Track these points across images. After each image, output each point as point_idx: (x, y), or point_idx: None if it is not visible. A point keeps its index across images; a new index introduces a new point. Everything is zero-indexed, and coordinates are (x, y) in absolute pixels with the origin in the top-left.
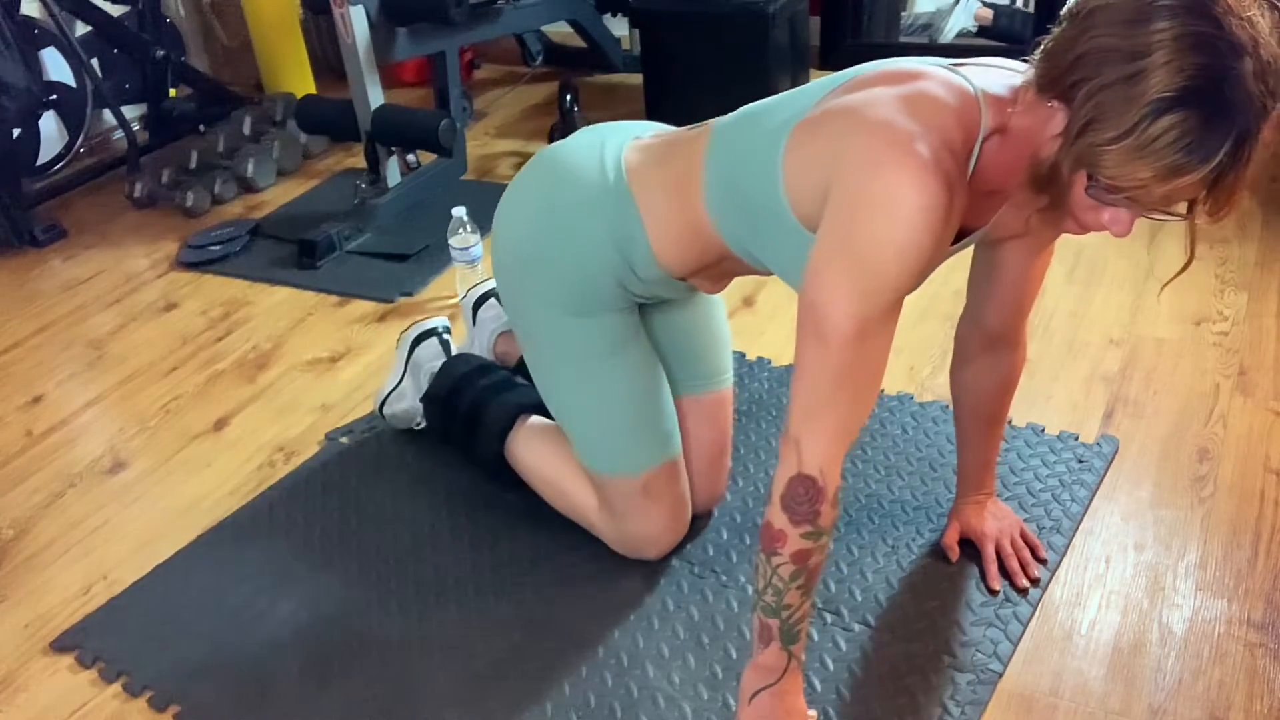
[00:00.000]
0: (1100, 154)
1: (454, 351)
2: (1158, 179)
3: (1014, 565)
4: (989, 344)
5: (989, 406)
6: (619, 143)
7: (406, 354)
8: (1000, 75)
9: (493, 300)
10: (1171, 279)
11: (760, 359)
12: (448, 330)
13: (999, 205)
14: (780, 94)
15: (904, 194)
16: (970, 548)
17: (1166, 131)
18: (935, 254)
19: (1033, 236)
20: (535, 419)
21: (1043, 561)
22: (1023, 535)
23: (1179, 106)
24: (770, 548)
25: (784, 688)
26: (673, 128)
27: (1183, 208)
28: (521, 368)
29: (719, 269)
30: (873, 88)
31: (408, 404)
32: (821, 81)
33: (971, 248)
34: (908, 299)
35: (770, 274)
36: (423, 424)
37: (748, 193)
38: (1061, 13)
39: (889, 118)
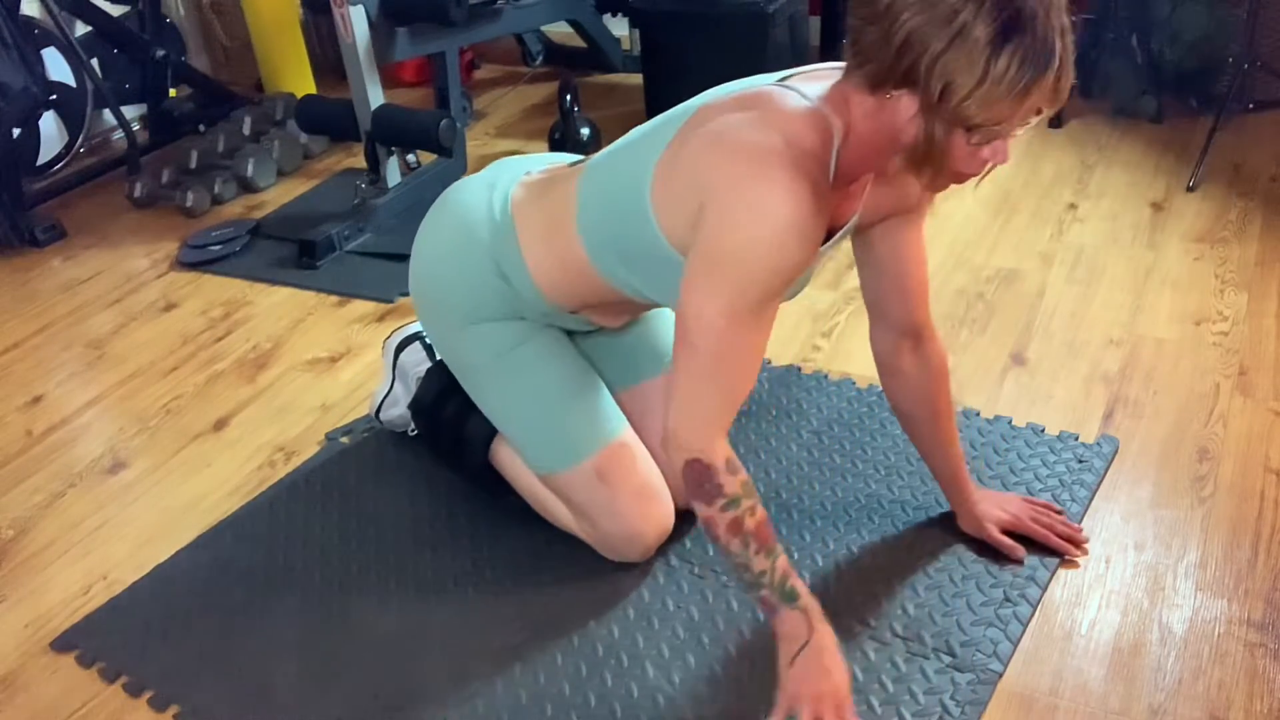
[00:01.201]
0: (966, 108)
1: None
2: (1019, 101)
3: (1061, 530)
4: (907, 344)
5: (934, 404)
6: (511, 178)
7: (392, 360)
8: (827, 81)
9: (415, 344)
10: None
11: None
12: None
13: (860, 195)
14: (642, 126)
15: (772, 202)
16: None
17: (1010, 61)
18: (804, 254)
19: (903, 213)
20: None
21: (1059, 511)
22: (1035, 504)
23: (1007, 39)
24: (712, 536)
25: (817, 644)
26: (564, 160)
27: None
28: None
29: (609, 306)
30: (724, 115)
31: (401, 409)
32: (672, 114)
33: (848, 249)
34: None
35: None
36: (416, 431)
37: (622, 234)
38: (853, 21)
39: (750, 138)
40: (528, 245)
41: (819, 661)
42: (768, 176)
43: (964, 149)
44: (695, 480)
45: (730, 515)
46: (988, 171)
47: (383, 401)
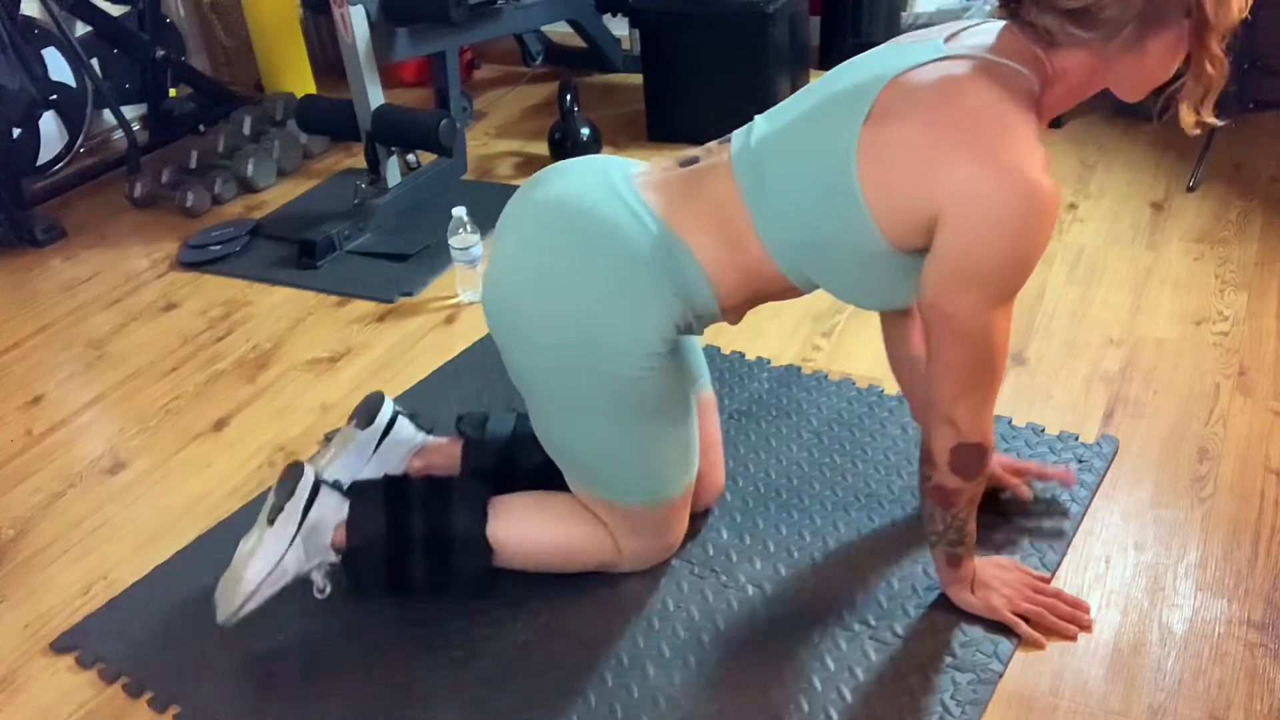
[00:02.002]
0: (1220, 15)
1: (349, 479)
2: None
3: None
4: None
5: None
6: (626, 183)
7: (298, 523)
8: (990, 33)
9: (402, 421)
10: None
11: (760, 359)
12: (334, 482)
13: None
14: (793, 112)
15: (1037, 199)
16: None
17: None
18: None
19: None
20: (499, 501)
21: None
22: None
23: None
24: (946, 503)
25: (980, 566)
26: (662, 159)
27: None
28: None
29: (764, 299)
30: (933, 107)
31: (289, 580)
32: (841, 89)
33: None
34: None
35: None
36: (327, 590)
37: (817, 230)
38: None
39: (993, 132)
40: (702, 252)
41: (999, 574)
42: (1025, 174)
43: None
44: (970, 461)
45: (975, 490)
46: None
47: (259, 586)
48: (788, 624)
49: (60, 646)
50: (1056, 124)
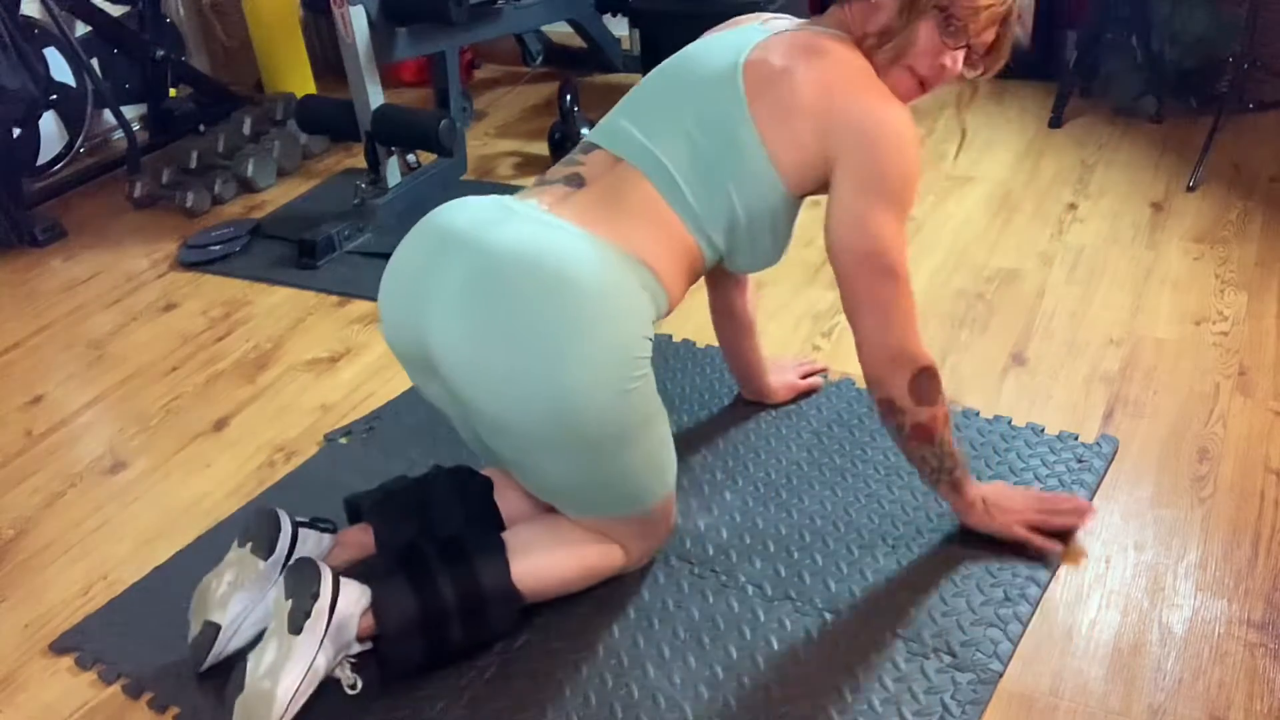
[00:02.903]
0: None
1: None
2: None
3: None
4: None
5: (750, 317)
6: (545, 214)
7: (325, 624)
8: (791, 19)
9: (304, 534)
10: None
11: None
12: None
13: None
14: (661, 109)
15: (906, 120)
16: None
17: None
18: None
19: None
20: (510, 540)
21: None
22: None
23: None
24: (928, 437)
25: (988, 489)
26: (540, 188)
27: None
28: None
29: (693, 283)
30: (808, 63)
31: (318, 683)
32: (707, 79)
33: None
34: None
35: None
36: (359, 686)
37: (735, 198)
38: None
39: (862, 74)
40: (649, 256)
41: (1011, 497)
42: (894, 102)
43: (932, 41)
44: (928, 384)
45: (946, 409)
46: (928, 90)
47: (292, 700)
48: (787, 624)
49: (60, 647)
50: (1056, 124)
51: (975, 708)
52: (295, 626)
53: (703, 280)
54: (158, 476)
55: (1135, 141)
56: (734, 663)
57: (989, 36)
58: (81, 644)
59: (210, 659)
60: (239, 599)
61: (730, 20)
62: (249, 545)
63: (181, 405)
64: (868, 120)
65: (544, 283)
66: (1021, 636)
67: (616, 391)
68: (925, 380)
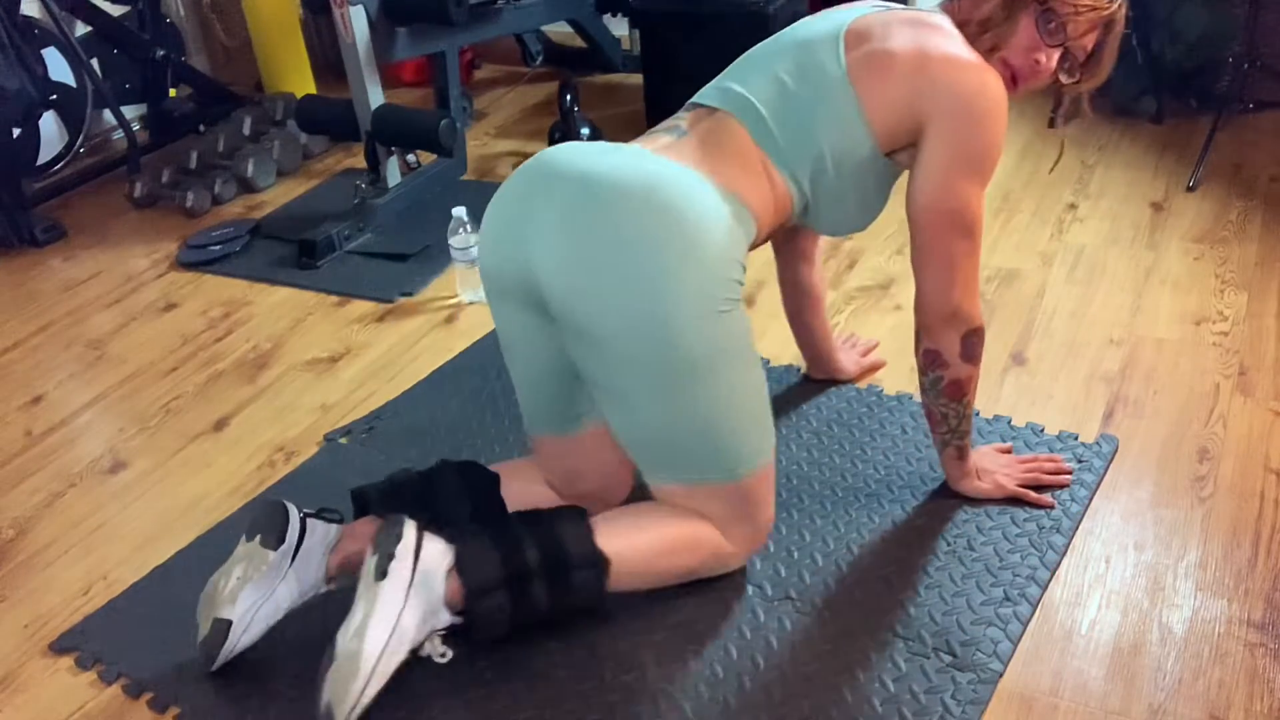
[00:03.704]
0: None
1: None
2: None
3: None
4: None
5: (819, 290)
6: (650, 154)
7: (410, 571)
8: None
9: (312, 525)
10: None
11: (759, 359)
12: (432, 521)
13: None
14: (762, 67)
15: (998, 92)
16: (962, 526)
17: None
18: None
19: None
20: (597, 518)
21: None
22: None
23: None
24: (960, 395)
25: (979, 454)
26: (647, 139)
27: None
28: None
29: (774, 234)
30: (909, 29)
31: (406, 649)
32: (809, 41)
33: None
34: (908, 301)
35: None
36: (449, 655)
37: (822, 144)
38: None
39: (963, 50)
40: (746, 192)
41: (993, 458)
42: (990, 71)
43: (1030, 37)
44: (977, 345)
45: (979, 373)
46: (1028, 89)
47: (378, 663)
48: (787, 624)
49: (60, 647)
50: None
51: (975, 708)
52: (380, 572)
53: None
54: (158, 476)
55: (1135, 141)
56: (734, 663)
57: (1089, 41)
58: (81, 644)
59: (222, 656)
60: (249, 592)
61: (836, 5)
62: (257, 538)
63: (181, 405)
64: (963, 86)
65: (643, 203)
66: (1021, 636)
67: (712, 310)
68: (974, 340)
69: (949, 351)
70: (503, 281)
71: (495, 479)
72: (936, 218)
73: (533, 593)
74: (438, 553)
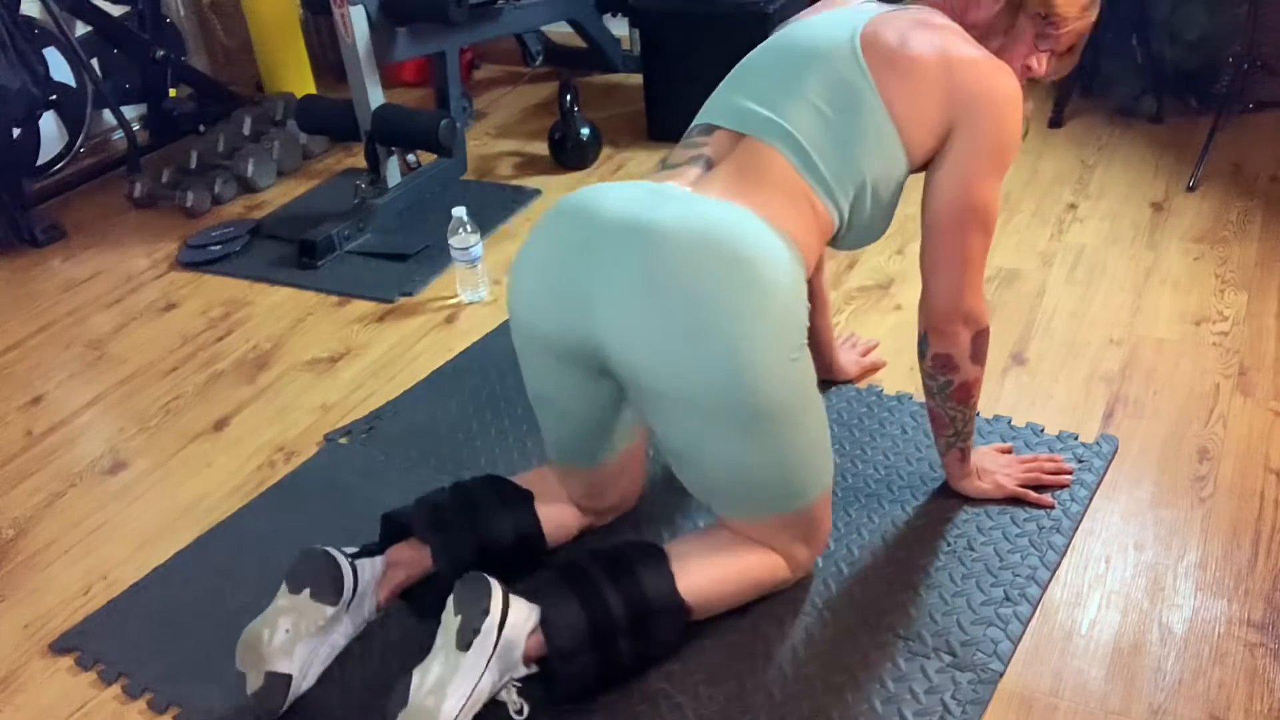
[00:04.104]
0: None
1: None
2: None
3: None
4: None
5: (826, 294)
6: (697, 196)
7: (494, 644)
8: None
9: (360, 565)
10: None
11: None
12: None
13: None
14: (780, 83)
15: (1015, 87)
16: (964, 524)
17: None
18: None
19: None
20: (672, 553)
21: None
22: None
23: None
24: (967, 398)
25: (979, 455)
26: (671, 171)
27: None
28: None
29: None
30: (927, 37)
31: (485, 700)
32: (820, 53)
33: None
34: (908, 302)
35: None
36: (525, 711)
37: (861, 167)
38: None
39: (977, 51)
40: (792, 230)
41: (994, 458)
42: (1004, 68)
43: (1026, 43)
44: (984, 345)
45: (984, 371)
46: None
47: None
48: (787, 623)
49: (60, 647)
50: (1056, 123)
51: (975, 708)
52: (464, 643)
53: None
54: (158, 476)
55: (1135, 141)
56: (734, 663)
57: (1069, 42)
58: (81, 644)
59: (284, 708)
60: (305, 645)
61: (815, 5)
62: (306, 591)
63: (181, 405)
64: (987, 87)
65: (719, 258)
66: (1021, 636)
67: (787, 358)
68: (983, 340)
69: (960, 354)
70: (549, 340)
71: (528, 495)
72: (957, 215)
73: (618, 647)
74: (521, 620)
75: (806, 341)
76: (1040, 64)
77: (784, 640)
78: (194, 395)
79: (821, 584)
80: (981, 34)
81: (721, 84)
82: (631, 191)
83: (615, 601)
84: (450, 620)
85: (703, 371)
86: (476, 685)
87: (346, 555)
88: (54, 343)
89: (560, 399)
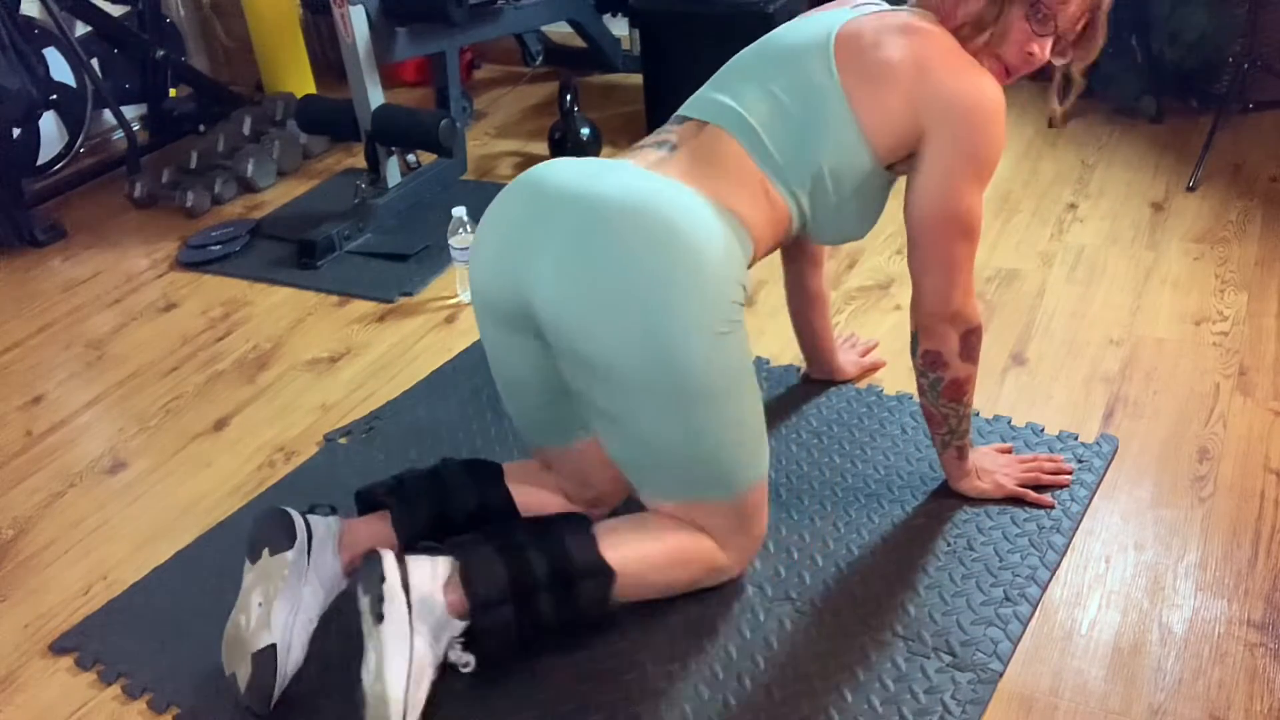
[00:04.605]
0: None
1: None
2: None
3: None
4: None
5: (824, 293)
6: (645, 172)
7: (406, 604)
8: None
9: (312, 520)
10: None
11: (759, 359)
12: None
13: None
14: (751, 78)
15: (997, 98)
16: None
17: None
18: None
19: None
20: (598, 526)
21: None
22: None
23: None
24: (959, 395)
25: (979, 455)
26: (637, 153)
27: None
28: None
29: (773, 249)
30: (902, 38)
31: (432, 672)
32: (796, 50)
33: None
34: (908, 301)
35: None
36: (472, 664)
37: (820, 161)
38: None
39: (961, 56)
40: (743, 212)
41: (993, 458)
42: (985, 76)
43: (1022, 30)
44: (975, 344)
45: (977, 370)
46: (1014, 77)
47: (406, 694)
48: (787, 623)
49: (60, 647)
50: (1054, 124)
51: (975, 708)
52: (378, 617)
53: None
54: (158, 476)
55: (1135, 141)
56: (734, 663)
57: (1080, 23)
58: (81, 644)
59: (277, 688)
60: (279, 608)
61: (818, 7)
62: (264, 550)
63: (181, 405)
64: (962, 94)
65: (651, 228)
66: (1021, 636)
67: (714, 333)
68: (973, 339)
69: (949, 352)
70: (496, 305)
71: (498, 469)
72: (939, 223)
73: (539, 605)
74: (427, 575)
75: (739, 320)
76: (1043, 50)
77: (784, 640)
78: (194, 395)
79: (822, 584)
80: (973, 29)
81: (706, 83)
82: (582, 165)
83: (536, 557)
84: (362, 604)
85: (627, 339)
86: (412, 652)
87: (301, 512)
88: (54, 343)
89: (510, 364)
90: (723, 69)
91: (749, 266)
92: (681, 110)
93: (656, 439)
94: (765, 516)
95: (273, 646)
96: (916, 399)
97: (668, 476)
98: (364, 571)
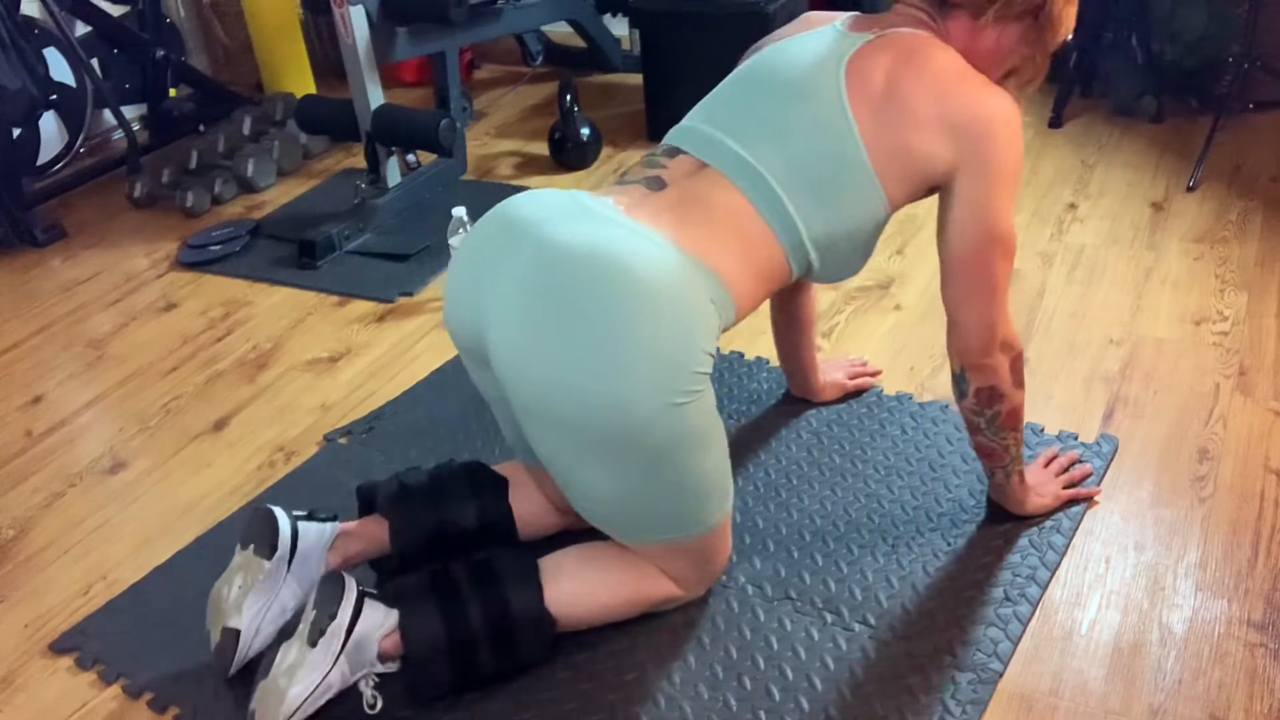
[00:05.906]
0: (1056, 25)
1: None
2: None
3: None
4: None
5: (810, 316)
6: (617, 213)
7: (342, 642)
8: (868, 20)
9: (304, 527)
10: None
11: (759, 359)
12: (369, 590)
13: None
14: (753, 112)
15: (1014, 110)
16: (962, 527)
17: None
18: None
19: None
20: (544, 565)
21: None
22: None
23: None
24: (1016, 422)
25: (1024, 474)
26: (619, 187)
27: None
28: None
29: (767, 297)
30: (920, 73)
31: (333, 694)
32: (801, 84)
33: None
34: (908, 302)
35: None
36: (378, 705)
37: (832, 208)
38: None
39: (974, 76)
40: (722, 267)
41: (1035, 472)
42: (997, 91)
43: (1029, 46)
44: (1021, 368)
45: (1024, 396)
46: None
47: (300, 705)
48: (788, 624)
49: (60, 647)
50: (1056, 123)
51: (975, 708)
52: (312, 640)
53: None
54: (158, 476)
55: (1135, 141)
56: (734, 663)
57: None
58: (81, 644)
59: (236, 664)
60: (251, 601)
61: (798, 20)
62: (251, 547)
63: (181, 405)
64: (985, 118)
65: (603, 282)
66: (1021, 636)
67: (667, 403)
68: (1020, 362)
69: (1003, 382)
70: (458, 334)
71: (503, 482)
72: (982, 246)
73: (478, 657)
74: (375, 623)
75: (702, 388)
76: (1044, 58)
77: (784, 641)
78: (194, 395)
79: (821, 584)
80: (990, 62)
81: (698, 105)
82: (556, 199)
83: (476, 613)
84: (308, 614)
85: (569, 395)
86: (325, 677)
87: (293, 516)
88: (54, 343)
89: (484, 389)
90: (720, 94)
91: (731, 326)
92: (675, 139)
93: (610, 496)
94: (727, 548)
95: (238, 632)
96: (917, 400)
97: (617, 522)
98: (326, 591)
